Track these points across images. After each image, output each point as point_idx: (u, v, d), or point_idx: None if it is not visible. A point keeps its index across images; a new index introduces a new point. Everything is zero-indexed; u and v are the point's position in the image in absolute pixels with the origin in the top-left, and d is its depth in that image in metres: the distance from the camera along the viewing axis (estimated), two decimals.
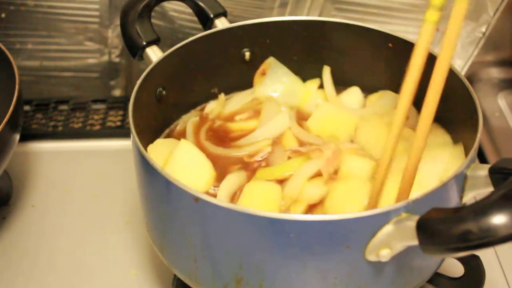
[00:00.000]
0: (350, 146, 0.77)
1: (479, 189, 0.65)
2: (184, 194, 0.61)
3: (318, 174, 0.73)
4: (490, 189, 0.63)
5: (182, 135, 0.82)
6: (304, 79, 0.89)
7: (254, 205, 0.70)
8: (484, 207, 0.50)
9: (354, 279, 0.62)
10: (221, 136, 0.82)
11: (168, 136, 0.84)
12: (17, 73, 0.88)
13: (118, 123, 1.11)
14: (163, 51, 0.80)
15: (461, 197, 0.66)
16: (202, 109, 0.87)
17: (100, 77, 1.18)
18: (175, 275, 0.78)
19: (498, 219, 0.49)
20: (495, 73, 1.17)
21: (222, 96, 0.87)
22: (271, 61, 0.87)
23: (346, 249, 0.60)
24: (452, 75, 0.75)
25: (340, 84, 0.88)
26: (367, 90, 0.88)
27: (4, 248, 0.89)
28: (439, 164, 0.73)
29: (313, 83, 0.89)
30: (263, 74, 0.87)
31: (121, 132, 1.09)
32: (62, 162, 1.04)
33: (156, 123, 0.82)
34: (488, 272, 0.78)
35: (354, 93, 0.87)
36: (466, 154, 0.73)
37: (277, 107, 0.83)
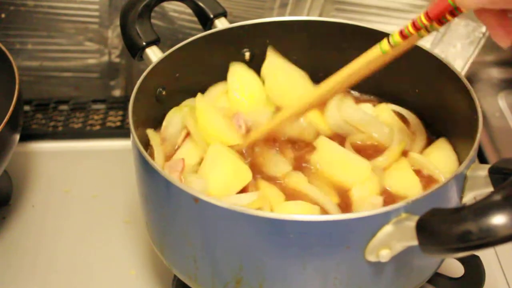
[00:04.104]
0: None
1: (479, 189, 0.65)
2: (183, 195, 0.61)
3: None
4: (490, 189, 0.63)
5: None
6: None
7: None
8: (484, 207, 0.50)
9: (354, 279, 0.63)
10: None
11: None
12: (17, 73, 0.88)
13: (118, 123, 1.11)
14: (163, 51, 0.80)
15: (461, 197, 0.66)
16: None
17: (100, 77, 1.18)
18: (175, 275, 0.78)
19: (498, 219, 0.49)
20: (495, 73, 1.17)
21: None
22: None
23: (346, 249, 0.60)
24: (452, 75, 0.75)
25: None
26: (363, 90, 0.88)
27: (4, 248, 0.89)
28: None
29: None
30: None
31: (121, 132, 1.09)
32: (62, 162, 1.04)
33: (156, 123, 0.82)
34: (488, 272, 0.78)
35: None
36: (466, 154, 0.73)
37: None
